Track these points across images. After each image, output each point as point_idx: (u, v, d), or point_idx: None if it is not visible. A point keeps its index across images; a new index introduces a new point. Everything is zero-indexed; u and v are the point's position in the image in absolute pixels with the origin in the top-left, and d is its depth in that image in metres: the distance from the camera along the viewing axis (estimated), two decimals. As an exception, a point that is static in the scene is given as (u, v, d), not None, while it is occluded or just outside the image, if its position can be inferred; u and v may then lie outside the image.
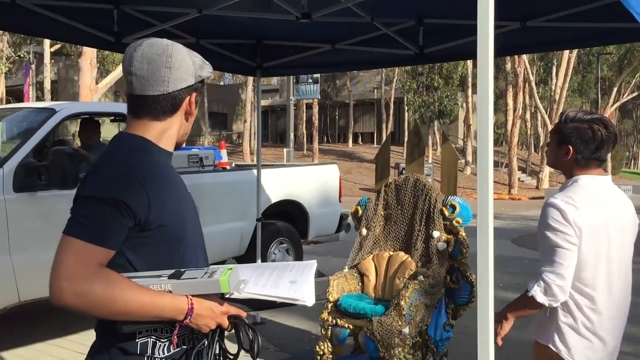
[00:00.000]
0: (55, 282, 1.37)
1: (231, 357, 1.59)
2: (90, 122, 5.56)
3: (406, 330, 3.68)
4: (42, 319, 5.54)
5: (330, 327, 3.99)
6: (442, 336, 3.92)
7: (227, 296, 1.51)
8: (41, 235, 4.57)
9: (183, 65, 1.54)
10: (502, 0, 1.63)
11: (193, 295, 1.46)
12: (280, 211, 6.81)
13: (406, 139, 36.99)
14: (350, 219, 7.93)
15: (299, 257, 6.98)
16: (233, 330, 1.56)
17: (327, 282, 1.63)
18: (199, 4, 4.04)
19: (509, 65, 29.20)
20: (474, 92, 35.74)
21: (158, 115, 1.56)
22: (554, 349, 2.25)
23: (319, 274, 1.65)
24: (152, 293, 1.42)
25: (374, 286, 4.25)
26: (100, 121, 5.78)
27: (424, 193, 4.17)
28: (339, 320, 3.96)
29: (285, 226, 6.82)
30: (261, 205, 5.88)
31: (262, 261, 6.01)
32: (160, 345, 1.52)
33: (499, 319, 2.31)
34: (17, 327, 5.29)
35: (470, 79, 30.99)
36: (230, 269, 1.49)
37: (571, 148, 2.24)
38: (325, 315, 4.02)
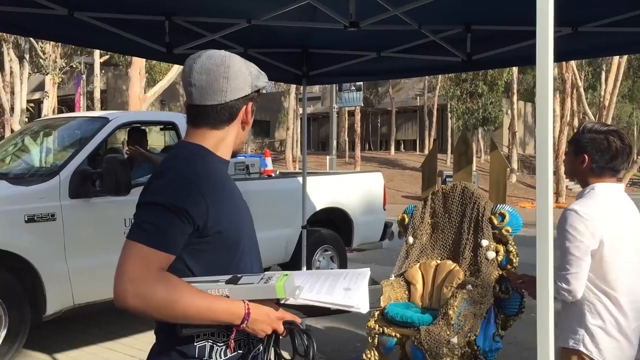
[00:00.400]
0: (119, 285, 1.42)
1: None
2: (138, 131, 5.70)
3: (455, 340, 3.64)
4: (95, 322, 5.69)
5: (377, 336, 3.98)
6: (491, 347, 3.86)
7: (282, 302, 1.53)
8: (95, 241, 4.72)
9: (240, 75, 1.59)
10: (554, 5, 1.61)
11: (249, 301, 1.49)
12: (325, 219, 6.84)
13: (451, 146, 36.62)
14: (394, 227, 7.92)
15: (343, 264, 6.98)
16: (288, 336, 1.58)
17: (380, 290, 1.62)
18: (248, 14, 4.11)
19: (556, 71, 28.62)
20: (520, 98, 35.18)
21: (216, 125, 1.61)
22: (585, 351, 2.32)
23: (373, 282, 1.65)
24: (210, 297, 1.46)
25: (421, 295, 4.22)
26: (147, 130, 5.92)
27: (472, 201, 4.13)
28: (386, 328, 3.94)
29: (329, 234, 6.84)
30: (306, 213, 5.91)
31: (307, 268, 6.04)
32: (217, 349, 1.55)
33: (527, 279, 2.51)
34: (71, 329, 5.44)
35: (515, 85, 30.48)
36: (286, 275, 1.52)
37: (587, 157, 2.38)
38: (372, 323, 4.01)
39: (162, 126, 5.99)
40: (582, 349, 2.32)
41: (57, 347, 4.97)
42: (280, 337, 1.58)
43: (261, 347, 1.57)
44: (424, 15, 4.05)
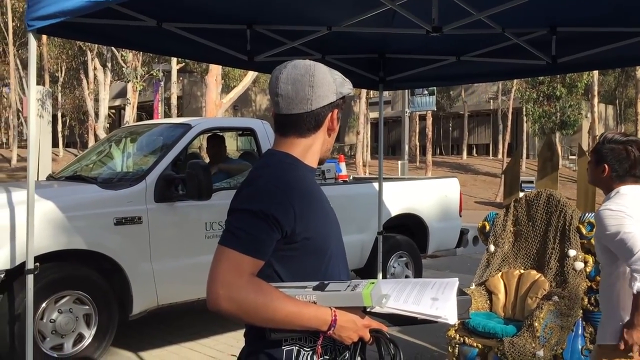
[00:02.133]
0: (212, 289, 1.45)
1: None
2: (216, 137, 5.83)
3: (540, 352, 3.52)
4: (177, 323, 5.86)
5: (457, 346, 3.90)
6: (579, 361, 3.71)
7: (368, 310, 1.52)
8: (177, 244, 4.86)
9: (325, 83, 1.62)
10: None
11: (336, 308, 1.50)
12: (400, 224, 6.77)
13: (526, 150, 35.52)
14: (469, 234, 7.74)
15: (418, 271, 6.89)
16: (374, 344, 1.57)
17: (469, 301, 1.59)
18: (329, 21, 4.14)
19: (639, 73, 27.26)
20: (600, 101, 33.72)
21: (303, 133, 1.64)
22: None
23: (461, 292, 1.62)
24: (299, 303, 1.48)
25: (504, 305, 4.10)
26: (224, 136, 6.06)
27: (559, 209, 3.98)
28: (467, 338, 3.86)
29: (404, 240, 6.77)
30: (381, 219, 5.88)
31: (382, 275, 6.01)
32: (303, 354, 1.57)
33: (633, 328, 2.33)
34: (154, 329, 5.63)
35: (596, 87, 29.24)
36: (373, 283, 1.52)
37: (607, 167, 2.50)
38: (452, 332, 3.94)
39: (240, 132, 6.11)
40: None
41: (141, 345, 5.15)
42: (367, 344, 1.58)
43: (347, 355, 1.57)
44: (507, 18, 3.96)
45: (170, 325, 5.78)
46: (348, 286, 1.52)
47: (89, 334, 4.48)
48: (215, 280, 1.45)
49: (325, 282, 1.55)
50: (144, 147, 5.70)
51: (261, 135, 5.62)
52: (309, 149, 1.66)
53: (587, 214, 3.91)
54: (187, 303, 5.15)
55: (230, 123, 6.53)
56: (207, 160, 5.87)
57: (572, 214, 3.92)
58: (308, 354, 1.57)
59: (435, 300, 1.55)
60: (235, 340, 5.25)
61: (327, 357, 1.59)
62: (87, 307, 4.48)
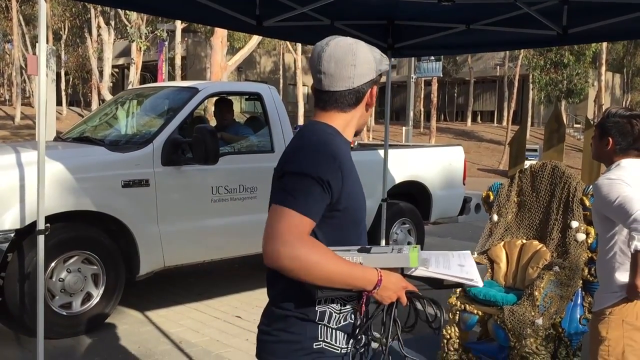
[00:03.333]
0: (271, 246, 1.51)
1: (407, 329, 1.72)
2: (225, 102, 5.83)
3: (539, 321, 3.59)
4: (181, 284, 5.97)
5: (458, 312, 3.98)
6: (577, 330, 3.79)
7: (405, 272, 1.62)
8: (184, 207, 4.92)
9: (366, 61, 1.67)
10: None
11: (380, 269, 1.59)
12: (404, 192, 6.81)
13: (531, 119, 35.34)
14: (472, 202, 7.78)
15: (420, 238, 6.96)
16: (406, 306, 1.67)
17: (485, 270, 1.70)
18: (339, -14, 4.10)
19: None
20: (608, 69, 33.36)
21: (344, 108, 1.71)
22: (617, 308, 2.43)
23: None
24: (350, 263, 1.56)
25: (505, 274, 4.17)
26: (232, 101, 6.05)
27: (563, 181, 4.01)
28: (467, 305, 3.93)
29: (408, 207, 6.82)
30: (386, 186, 5.92)
31: (385, 241, 6.08)
32: (335, 316, 1.65)
33: (634, 293, 2.36)
34: (160, 290, 5.75)
35: (604, 56, 28.91)
36: (415, 247, 1.61)
37: (611, 140, 2.54)
38: (453, 300, 4.01)
39: (247, 96, 6.11)
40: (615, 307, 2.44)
41: (148, 305, 5.26)
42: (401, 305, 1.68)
43: (382, 314, 1.66)
44: (520, -13, 3.91)
45: (176, 286, 5.89)
46: (393, 249, 1.62)
47: (97, 293, 4.58)
48: (276, 238, 1.50)
49: (367, 246, 1.65)
50: (151, 110, 5.70)
51: (268, 100, 5.62)
52: (348, 123, 1.74)
53: (591, 186, 3.93)
54: (193, 265, 5.24)
55: (237, 87, 6.51)
56: (214, 124, 5.87)
57: (577, 185, 3.95)
58: (340, 316, 1.65)
59: (462, 266, 1.68)
60: (239, 302, 5.36)
61: (352, 321, 1.67)
62: (95, 267, 4.57)
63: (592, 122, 4.49)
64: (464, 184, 7.41)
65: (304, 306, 1.64)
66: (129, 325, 4.79)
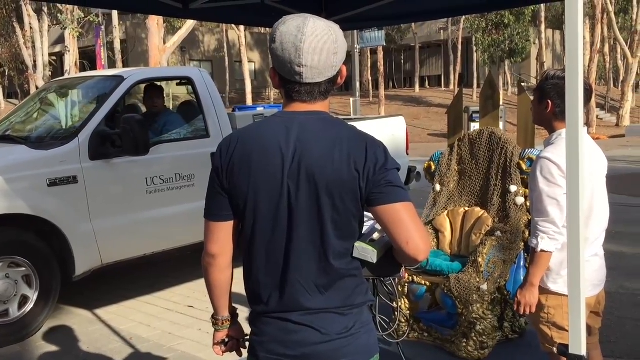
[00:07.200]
0: (419, 244, 1.53)
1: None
2: (154, 88, 5.59)
3: (484, 287, 3.65)
4: (131, 278, 5.83)
5: (407, 284, 4.02)
6: (522, 291, 3.87)
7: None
8: (118, 201, 4.75)
9: (344, 45, 1.63)
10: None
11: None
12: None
13: (477, 80, 35.85)
14: (419, 169, 7.85)
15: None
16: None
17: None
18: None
19: (584, -4, 27.44)
20: (547, 26, 34.02)
21: (327, 95, 1.67)
22: (558, 290, 2.45)
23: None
24: None
25: (450, 242, 4.21)
26: (163, 87, 5.86)
27: (500, 147, 4.05)
28: (415, 277, 3.97)
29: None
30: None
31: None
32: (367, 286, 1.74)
33: (527, 289, 2.46)
34: (108, 285, 5.61)
35: (543, 14, 29.40)
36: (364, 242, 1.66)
37: (550, 103, 2.48)
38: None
39: (178, 81, 5.93)
40: (556, 289, 2.46)
41: (96, 303, 5.11)
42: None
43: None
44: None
45: (125, 281, 5.75)
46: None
47: (32, 296, 4.40)
48: (423, 235, 1.54)
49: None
50: (76, 102, 5.45)
51: (199, 84, 5.44)
52: (329, 105, 1.72)
53: (527, 150, 3.98)
54: (133, 259, 5.04)
55: (166, 73, 6.28)
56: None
57: (513, 150, 3.99)
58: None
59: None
60: (191, 291, 5.28)
61: None
62: (24, 269, 4.37)
63: (524, 88, 4.52)
64: (408, 154, 7.45)
65: (368, 292, 1.68)
66: (77, 325, 4.66)
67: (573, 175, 1.61)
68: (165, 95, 5.75)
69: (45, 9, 23.70)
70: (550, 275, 2.48)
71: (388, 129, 7.18)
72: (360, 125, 7.02)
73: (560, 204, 2.34)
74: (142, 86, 5.66)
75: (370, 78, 38.72)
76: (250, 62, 35.72)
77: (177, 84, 6.01)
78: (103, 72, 5.73)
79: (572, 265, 1.63)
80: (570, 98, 1.61)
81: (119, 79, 5.00)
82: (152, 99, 5.58)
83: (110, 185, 4.71)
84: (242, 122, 5.89)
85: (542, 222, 2.38)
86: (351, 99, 18.63)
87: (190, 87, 5.53)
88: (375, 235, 1.65)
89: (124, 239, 4.81)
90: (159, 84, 5.66)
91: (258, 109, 6.87)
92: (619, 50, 33.50)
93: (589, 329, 2.61)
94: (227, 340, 1.82)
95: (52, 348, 4.24)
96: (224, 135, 5.36)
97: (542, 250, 2.38)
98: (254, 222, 1.60)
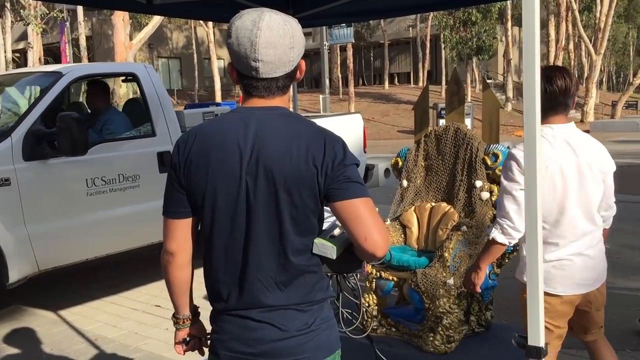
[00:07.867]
0: (378, 239, 1.52)
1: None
2: (97, 85, 5.38)
3: (451, 281, 3.68)
4: (95, 278, 5.74)
5: (374, 280, 4.03)
6: (487, 285, 3.90)
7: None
8: (55, 204, 4.56)
9: (301, 40, 1.61)
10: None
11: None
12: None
13: (445, 77, 36.20)
14: (376, 168, 7.90)
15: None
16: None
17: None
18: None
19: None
20: (514, 24, 34.51)
21: (286, 90, 1.65)
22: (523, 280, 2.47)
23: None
24: None
25: (417, 238, 4.24)
26: (108, 84, 5.60)
27: (465, 142, 4.09)
28: (383, 272, 3.98)
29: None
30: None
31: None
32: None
33: (474, 269, 2.64)
34: (72, 286, 5.51)
35: (509, 11, 29.81)
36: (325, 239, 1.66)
37: None
38: (369, 267, 4.05)
39: (123, 78, 5.71)
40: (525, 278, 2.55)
41: (60, 304, 5.02)
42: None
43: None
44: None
45: (90, 281, 5.66)
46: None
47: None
48: (382, 230, 1.53)
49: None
50: (10, 100, 5.19)
51: (145, 81, 5.25)
52: (288, 100, 1.71)
53: (492, 146, 4.03)
54: (72, 265, 4.80)
55: (108, 69, 6.00)
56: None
57: (478, 146, 4.03)
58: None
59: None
60: (158, 290, 5.22)
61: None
62: None
63: (489, 84, 4.57)
64: (365, 152, 7.46)
65: (329, 288, 1.68)
66: (40, 327, 4.57)
67: (530, 174, 1.64)
68: (120, 94, 5.61)
69: (8, 5, 23.15)
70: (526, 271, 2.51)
71: (345, 127, 7.13)
72: (317, 123, 6.99)
73: (517, 199, 2.36)
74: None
75: (339, 75, 38.78)
76: (219, 59, 35.46)
77: (122, 81, 5.84)
78: (42, 67, 5.51)
79: (530, 262, 1.65)
80: (528, 97, 1.62)
81: (58, 75, 4.78)
82: (95, 96, 5.34)
83: (47, 187, 4.50)
84: (190, 120, 5.72)
85: (499, 215, 2.46)
86: (321, 96, 18.64)
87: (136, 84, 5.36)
88: (336, 232, 1.63)
89: (63, 244, 4.59)
90: (103, 81, 5.45)
91: (210, 106, 6.70)
92: (583, 47, 34.17)
93: (583, 327, 2.67)
94: (188, 339, 1.79)
95: (14, 350, 4.15)
96: (171, 134, 5.21)
97: (493, 240, 2.47)
98: (212, 219, 1.57)
